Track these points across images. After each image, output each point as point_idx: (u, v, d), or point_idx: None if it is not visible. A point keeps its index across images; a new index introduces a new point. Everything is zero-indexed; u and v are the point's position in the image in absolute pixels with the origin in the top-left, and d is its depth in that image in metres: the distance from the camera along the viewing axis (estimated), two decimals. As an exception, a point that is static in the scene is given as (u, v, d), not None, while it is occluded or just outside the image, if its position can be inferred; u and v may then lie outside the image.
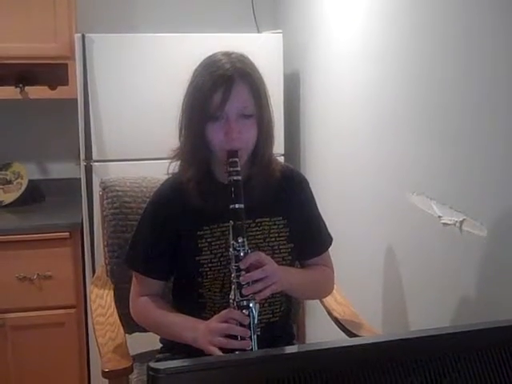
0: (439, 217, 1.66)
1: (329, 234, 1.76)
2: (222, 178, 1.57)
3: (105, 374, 1.54)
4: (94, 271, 2.65)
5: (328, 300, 1.89)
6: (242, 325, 1.45)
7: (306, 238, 1.68)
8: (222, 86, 1.48)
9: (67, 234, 2.76)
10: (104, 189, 1.98)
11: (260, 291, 1.47)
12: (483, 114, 1.48)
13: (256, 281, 1.46)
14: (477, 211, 1.51)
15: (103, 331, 1.74)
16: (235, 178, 1.48)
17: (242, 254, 1.47)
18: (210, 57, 1.56)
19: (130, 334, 1.87)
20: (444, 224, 1.64)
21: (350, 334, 1.73)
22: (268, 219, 1.62)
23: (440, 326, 1.63)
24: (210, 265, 1.58)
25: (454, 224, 1.59)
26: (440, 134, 1.67)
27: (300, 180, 1.72)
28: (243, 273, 1.46)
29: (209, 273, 1.58)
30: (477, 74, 1.50)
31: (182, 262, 1.61)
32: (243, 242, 1.47)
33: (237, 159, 1.49)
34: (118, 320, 1.80)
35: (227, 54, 1.54)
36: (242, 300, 1.45)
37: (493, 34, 1.43)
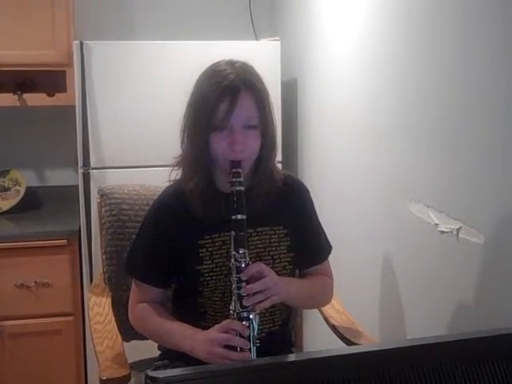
0: (436, 224, 1.66)
1: (328, 243, 1.76)
2: (223, 188, 1.56)
3: (102, 382, 1.54)
4: (91, 279, 2.65)
5: (325, 307, 1.88)
6: (242, 336, 1.44)
7: (306, 247, 1.68)
8: (227, 96, 1.46)
9: (65, 241, 2.75)
10: (102, 196, 1.98)
11: (260, 302, 1.46)
12: (481, 121, 1.48)
13: (256, 292, 1.46)
14: (474, 219, 1.51)
15: (101, 339, 1.74)
16: (238, 188, 1.47)
17: (243, 266, 1.46)
18: (213, 66, 1.54)
19: (127, 341, 1.86)
20: (441, 232, 1.64)
21: (348, 342, 1.73)
22: (269, 228, 1.62)
23: (437, 333, 1.64)
24: (211, 274, 1.57)
25: (451, 232, 1.59)
26: (437, 142, 1.68)
27: (301, 189, 1.71)
28: (244, 284, 1.45)
29: (210, 282, 1.57)
30: (475, 83, 1.50)
31: (182, 270, 1.61)
32: (244, 253, 1.47)
33: (240, 170, 1.48)
34: (116, 328, 1.80)
35: (231, 63, 1.52)
36: (243, 311, 1.45)
37: (491, 44, 1.43)
